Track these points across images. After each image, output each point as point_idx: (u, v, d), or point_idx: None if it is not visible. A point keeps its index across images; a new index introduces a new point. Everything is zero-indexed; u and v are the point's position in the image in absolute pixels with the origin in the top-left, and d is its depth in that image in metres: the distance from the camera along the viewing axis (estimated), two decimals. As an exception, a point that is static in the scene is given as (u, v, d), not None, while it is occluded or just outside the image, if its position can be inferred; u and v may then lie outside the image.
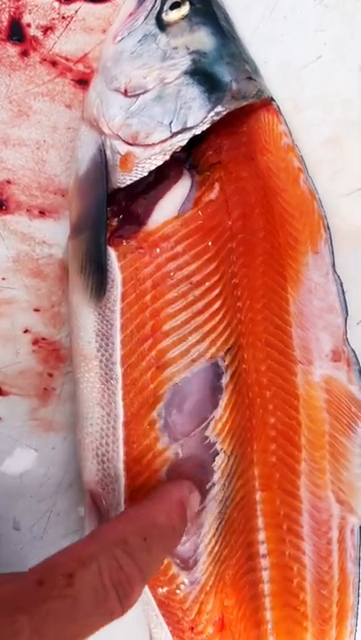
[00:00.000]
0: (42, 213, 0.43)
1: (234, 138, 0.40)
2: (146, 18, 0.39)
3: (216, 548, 0.39)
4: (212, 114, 0.37)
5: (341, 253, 0.44)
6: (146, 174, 0.38)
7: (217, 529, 0.39)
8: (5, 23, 0.42)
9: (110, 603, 0.29)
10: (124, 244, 0.38)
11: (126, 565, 0.30)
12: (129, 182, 0.38)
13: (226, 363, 0.39)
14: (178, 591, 0.39)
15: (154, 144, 0.37)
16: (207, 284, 0.38)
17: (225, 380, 0.39)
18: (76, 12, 0.42)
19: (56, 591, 0.28)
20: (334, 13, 0.44)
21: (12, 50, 0.42)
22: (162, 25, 0.38)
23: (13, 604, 0.27)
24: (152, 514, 0.34)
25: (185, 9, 0.38)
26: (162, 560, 0.35)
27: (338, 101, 0.44)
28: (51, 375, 0.43)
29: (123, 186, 0.38)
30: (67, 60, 0.43)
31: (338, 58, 0.44)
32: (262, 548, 0.39)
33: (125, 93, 0.38)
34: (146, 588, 0.40)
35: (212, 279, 0.38)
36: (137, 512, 0.35)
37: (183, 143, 0.37)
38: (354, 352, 0.41)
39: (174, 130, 0.37)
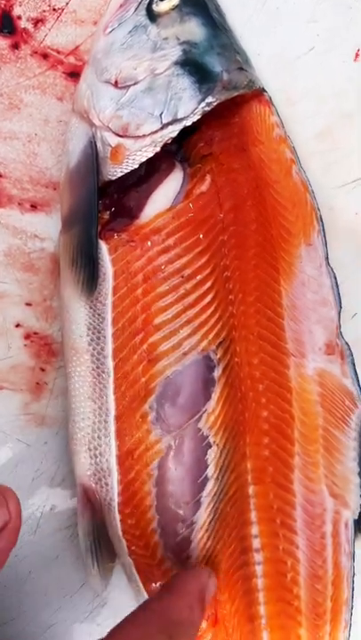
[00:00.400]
0: (33, 207, 0.42)
1: (225, 129, 0.39)
2: (136, 9, 0.38)
3: (209, 542, 0.39)
4: (202, 104, 0.37)
5: (335, 245, 0.43)
6: (137, 166, 0.37)
7: (210, 523, 0.39)
8: (-4, 15, 0.42)
9: None
10: (116, 237, 0.38)
11: None
12: (120, 175, 0.38)
13: (218, 356, 0.38)
14: (171, 585, 0.39)
15: (144, 135, 0.37)
16: (199, 277, 0.38)
17: (217, 373, 0.38)
18: (67, 3, 0.42)
19: None
20: (327, 4, 0.43)
21: (3, 42, 0.42)
22: (152, 16, 0.38)
23: None
24: (175, 609, 0.33)
25: (175, -1, 0.38)
26: None
27: (331, 93, 0.44)
28: (43, 370, 0.43)
29: (114, 178, 0.38)
30: (58, 52, 0.42)
31: (331, 49, 0.44)
32: (256, 542, 0.39)
33: (116, 85, 0.38)
34: (139, 583, 0.40)
35: (204, 272, 0.38)
36: (160, 607, 0.33)
37: (174, 134, 0.37)
38: (348, 345, 0.41)
39: (165, 121, 0.37)
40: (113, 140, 0.37)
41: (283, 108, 0.42)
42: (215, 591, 0.36)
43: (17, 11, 0.42)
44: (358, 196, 0.44)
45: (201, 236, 0.38)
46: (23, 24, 0.42)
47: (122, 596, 0.43)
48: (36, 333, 0.43)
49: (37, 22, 0.42)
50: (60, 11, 0.42)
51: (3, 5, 0.42)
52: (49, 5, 0.42)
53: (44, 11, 0.42)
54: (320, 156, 0.44)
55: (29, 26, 0.42)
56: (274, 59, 0.43)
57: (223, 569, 0.39)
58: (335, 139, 0.44)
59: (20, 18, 0.42)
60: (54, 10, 0.42)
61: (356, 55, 0.44)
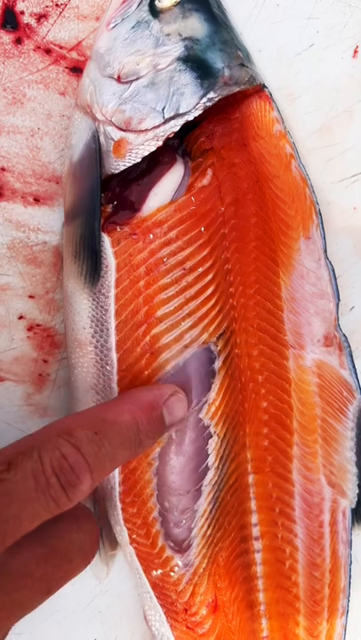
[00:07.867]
0: (36, 200, 0.43)
1: (226, 124, 0.40)
2: (139, 4, 0.39)
3: (209, 530, 0.39)
4: (204, 100, 0.37)
5: (333, 239, 0.44)
6: (139, 160, 0.38)
7: (210, 512, 0.39)
8: (-1, 11, 0.42)
9: (52, 489, 0.29)
10: (118, 230, 0.39)
11: (70, 455, 0.30)
12: (122, 168, 0.38)
13: (219, 348, 0.39)
14: (172, 573, 0.40)
15: (147, 130, 0.37)
16: (200, 269, 0.39)
17: (218, 364, 0.39)
18: (70, -1, 0.42)
19: None
20: (327, 1, 0.44)
21: (6, 37, 0.42)
22: (155, 11, 0.39)
23: None
24: (111, 412, 0.33)
25: (178, -5, 0.38)
26: (120, 457, 0.33)
27: (331, 89, 0.45)
28: (45, 361, 0.43)
29: (116, 172, 0.38)
30: (60, 47, 0.43)
31: (330, 45, 0.44)
32: (255, 531, 0.40)
33: (119, 80, 0.38)
34: (140, 571, 0.40)
35: (205, 265, 0.39)
36: (94, 409, 0.34)
37: (176, 129, 0.37)
38: (345, 337, 0.42)
39: (167, 116, 0.37)
40: (116, 135, 0.38)
41: (283, 104, 0.43)
42: (182, 411, 0.36)
43: (20, 6, 0.42)
44: (356, 190, 0.45)
45: (202, 229, 0.39)
46: (26, 19, 0.42)
47: (123, 584, 0.44)
48: (38, 325, 0.43)
49: (40, 17, 0.42)
50: (62, 6, 0.43)
51: (6, 1, 0.42)
52: (52, 1, 0.42)
53: (47, 6, 0.42)
54: (320, 152, 0.45)
55: (32, 21, 0.42)
56: (274, 55, 0.44)
57: (223, 557, 0.40)
58: (335, 134, 0.45)
59: (22, 13, 0.42)
60: (57, 5, 0.43)
61: (356, 52, 0.45)
